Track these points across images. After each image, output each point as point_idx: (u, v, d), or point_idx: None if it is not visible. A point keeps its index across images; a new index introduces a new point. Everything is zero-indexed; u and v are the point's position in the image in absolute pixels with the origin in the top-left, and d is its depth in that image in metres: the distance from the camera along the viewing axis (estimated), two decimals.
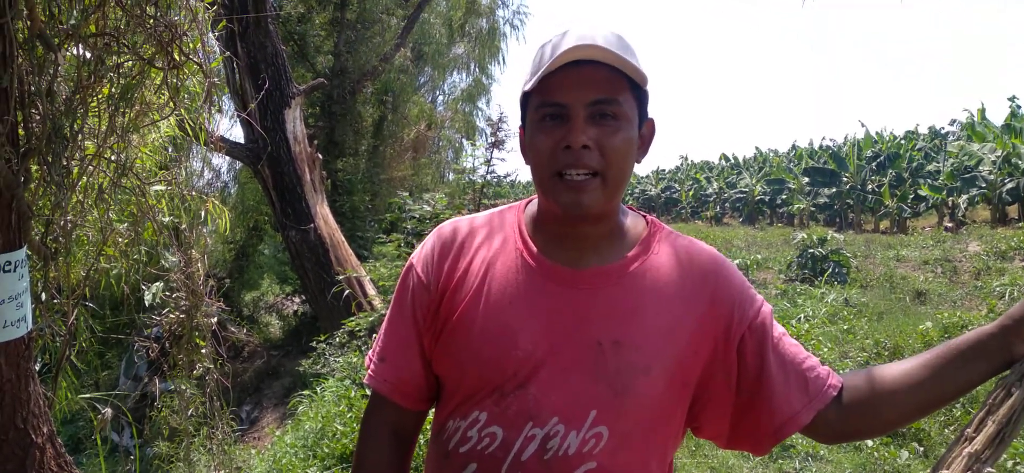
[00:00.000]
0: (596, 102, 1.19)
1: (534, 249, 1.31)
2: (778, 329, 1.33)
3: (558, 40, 1.21)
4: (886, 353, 7.05)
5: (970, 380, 1.21)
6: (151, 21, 2.40)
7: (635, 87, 1.23)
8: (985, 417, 1.15)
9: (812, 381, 1.29)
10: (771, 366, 1.28)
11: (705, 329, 1.27)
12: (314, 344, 7.16)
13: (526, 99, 1.28)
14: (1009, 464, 4.68)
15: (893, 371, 1.27)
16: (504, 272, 1.30)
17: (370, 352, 1.43)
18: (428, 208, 7.37)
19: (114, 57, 2.46)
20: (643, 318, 1.24)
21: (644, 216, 1.38)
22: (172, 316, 4.24)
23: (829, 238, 12.42)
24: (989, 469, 1.10)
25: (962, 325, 7.36)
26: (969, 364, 1.21)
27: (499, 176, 8.04)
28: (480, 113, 18.54)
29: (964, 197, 20.60)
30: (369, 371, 1.40)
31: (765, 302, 1.33)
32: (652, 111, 1.31)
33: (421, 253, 1.39)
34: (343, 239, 8.89)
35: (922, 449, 5.17)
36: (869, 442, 5.26)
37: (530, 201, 1.40)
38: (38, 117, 2.20)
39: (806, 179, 26.82)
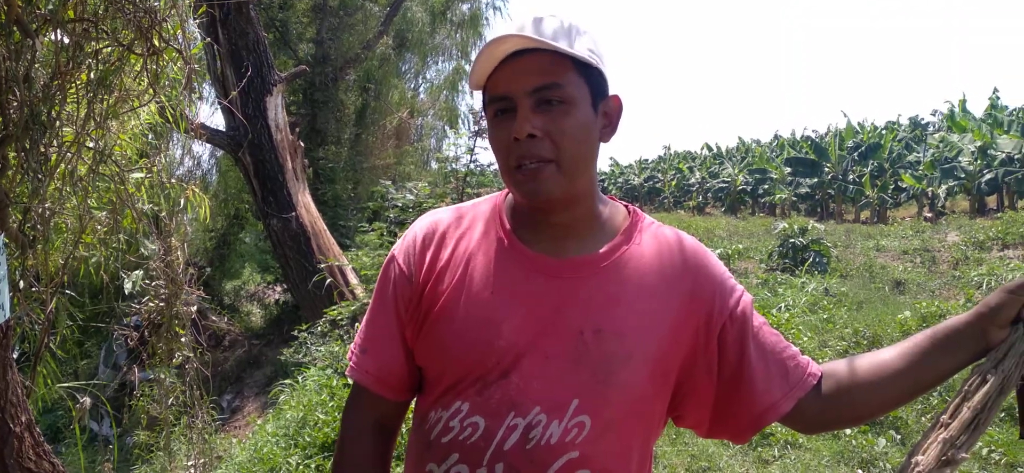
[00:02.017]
0: (538, 89, 1.20)
1: (515, 239, 1.31)
2: (758, 319, 1.34)
3: (491, 34, 1.23)
4: (865, 342, 7.12)
5: (947, 368, 1.23)
6: (130, 6, 2.38)
7: (585, 68, 1.23)
8: (960, 403, 1.16)
9: (792, 370, 1.30)
10: (751, 355, 1.29)
11: (686, 319, 1.27)
12: (296, 333, 7.14)
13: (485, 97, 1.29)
14: (984, 452, 4.75)
15: (871, 360, 1.29)
16: (485, 262, 1.31)
17: (352, 344, 1.43)
18: (411, 196, 7.37)
19: (93, 43, 2.43)
20: (624, 307, 1.25)
21: (626, 206, 1.39)
22: (151, 304, 4.22)
23: (810, 228, 12.49)
24: (963, 454, 1.11)
25: (940, 314, 7.43)
26: (946, 352, 1.23)
27: (482, 164, 8.04)
28: (463, 100, 18.47)
29: (943, 187, 20.83)
30: (351, 363, 1.40)
31: (745, 291, 1.34)
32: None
33: (403, 244, 1.39)
34: (325, 228, 8.86)
35: (899, 437, 5.23)
36: (847, 430, 5.31)
37: (510, 191, 1.40)
38: (16, 103, 2.18)
39: (788, 169, 26.99)
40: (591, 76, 1.24)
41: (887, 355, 1.28)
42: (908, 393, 1.27)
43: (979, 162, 19.83)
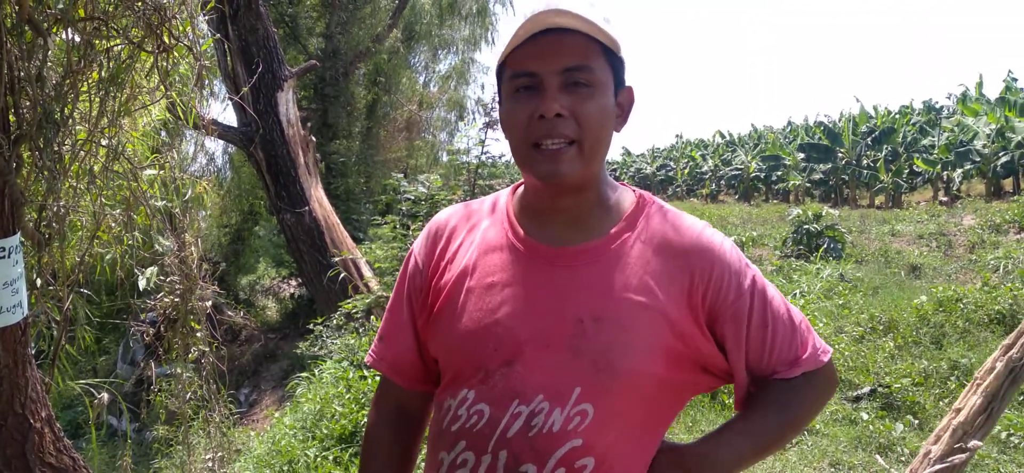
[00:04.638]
0: (568, 69, 1.20)
1: (520, 230, 1.33)
2: (761, 305, 1.30)
3: (528, 9, 1.21)
4: (881, 327, 7.08)
5: None
6: (140, 4, 2.39)
7: (609, 54, 1.23)
8: (973, 391, 1.16)
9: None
10: (741, 351, 1.29)
11: (685, 307, 1.25)
12: (311, 326, 7.17)
13: (501, 71, 1.28)
14: (1003, 436, 4.72)
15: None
16: (489, 253, 1.33)
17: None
18: (423, 189, 7.36)
19: (103, 41, 2.44)
20: (623, 294, 1.23)
21: (634, 191, 1.38)
22: (167, 300, 4.24)
23: (824, 214, 12.43)
24: (977, 442, 1.11)
25: (957, 299, 7.39)
26: None
27: (493, 157, 8.03)
28: (472, 92, 18.42)
29: (958, 171, 20.64)
30: (370, 350, 1.48)
31: (756, 280, 1.30)
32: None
33: (419, 239, 1.44)
34: (338, 221, 8.88)
35: (917, 422, 5.20)
36: (864, 415, 5.29)
37: (521, 184, 1.40)
38: (28, 103, 2.19)
39: (801, 155, 26.82)
40: (615, 64, 1.25)
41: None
42: None
43: (995, 145, 19.63)
